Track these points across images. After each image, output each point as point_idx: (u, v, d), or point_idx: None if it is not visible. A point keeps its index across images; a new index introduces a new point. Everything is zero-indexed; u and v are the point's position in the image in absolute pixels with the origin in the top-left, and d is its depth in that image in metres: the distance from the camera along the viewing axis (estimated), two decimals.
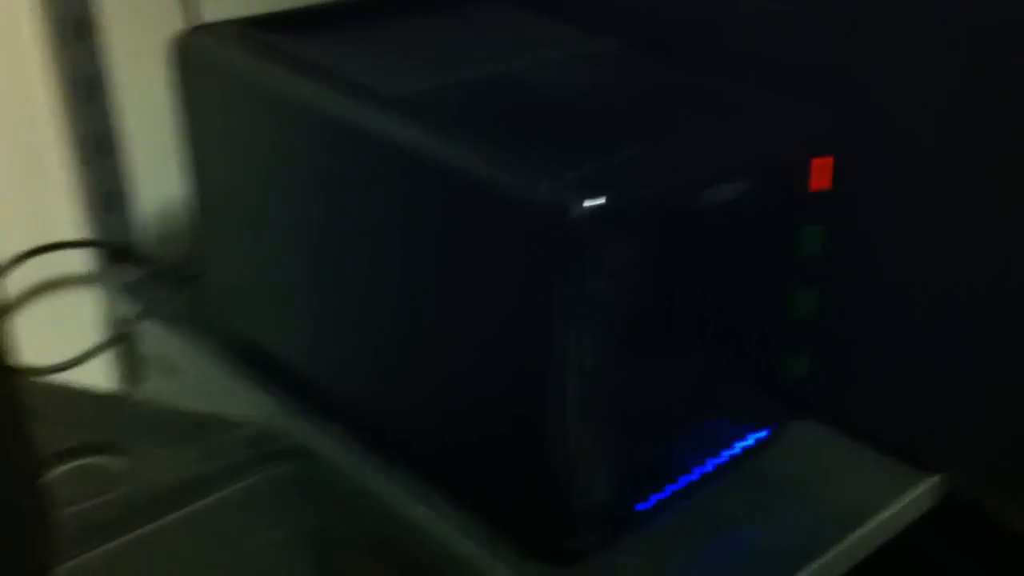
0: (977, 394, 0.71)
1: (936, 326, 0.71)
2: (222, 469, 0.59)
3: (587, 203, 0.56)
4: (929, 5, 0.65)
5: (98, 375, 1.01)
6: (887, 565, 0.78)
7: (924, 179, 0.68)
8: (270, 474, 0.59)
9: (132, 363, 1.00)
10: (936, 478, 0.75)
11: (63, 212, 0.95)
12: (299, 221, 0.74)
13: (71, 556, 0.54)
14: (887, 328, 0.73)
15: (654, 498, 0.68)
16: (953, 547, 0.89)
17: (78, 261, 0.97)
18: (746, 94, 0.69)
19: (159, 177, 0.97)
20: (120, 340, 0.95)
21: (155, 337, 0.91)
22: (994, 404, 0.70)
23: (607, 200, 0.57)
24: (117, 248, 0.96)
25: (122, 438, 0.62)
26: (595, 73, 0.72)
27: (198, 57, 0.77)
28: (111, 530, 0.56)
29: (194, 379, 0.88)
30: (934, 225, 0.69)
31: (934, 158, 0.68)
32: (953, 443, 0.73)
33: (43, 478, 0.58)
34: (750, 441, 0.73)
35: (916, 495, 0.74)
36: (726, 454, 0.71)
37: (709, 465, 0.71)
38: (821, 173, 0.67)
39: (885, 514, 0.72)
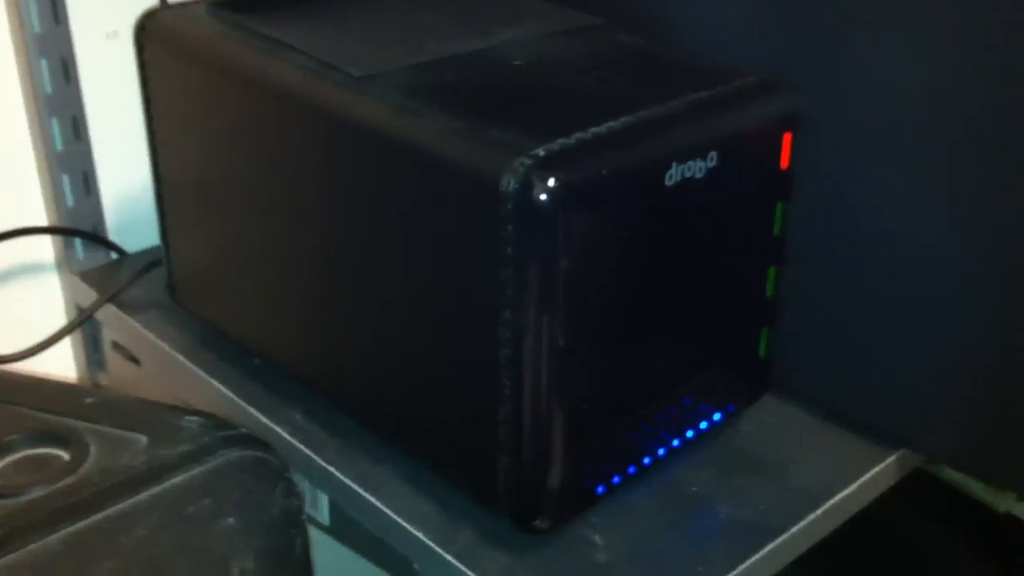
0: (942, 369, 0.68)
1: (898, 299, 0.68)
2: (175, 456, 0.55)
3: (551, 181, 0.52)
4: None
5: (63, 363, 0.98)
6: (859, 538, 0.76)
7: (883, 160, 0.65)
8: (225, 460, 0.55)
9: (96, 351, 0.96)
10: (898, 453, 0.72)
11: (30, 197, 0.91)
12: (262, 202, 0.70)
13: (21, 546, 0.50)
14: (850, 304, 0.70)
15: (619, 476, 0.64)
16: (925, 519, 0.87)
17: (43, 248, 0.93)
18: (720, 69, 0.65)
19: (126, 162, 0.93)
20: (79, 327, 0.91)
21: (116, 324, 0.87)
22: (961, 378, 0.67)
23: (572, 177, 0.53)
24: (83, 234, 0.92)
25: (75, 426, 0.58)
26: (568, 50, 0.68)
27: (161, 36, 0.73)
28: (62, 519, 0.52)
29: (154, 366, 0.84)
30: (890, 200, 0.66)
31: (892, 137, 0.65)
32: (919, 418, 0.70)
33: None
34: (717, 418, 0.69)
35: (880, 470, 0.71)
36: (693, 432, 0.68)
37: (676, 443, 0.67)
38: (788, 149, 0.64)
39: (850, 489, 0.69)
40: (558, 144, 0.55)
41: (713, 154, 0.59)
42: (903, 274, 0.67)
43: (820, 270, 0.70)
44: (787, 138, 0.63)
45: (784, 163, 0.64)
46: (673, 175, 0.57)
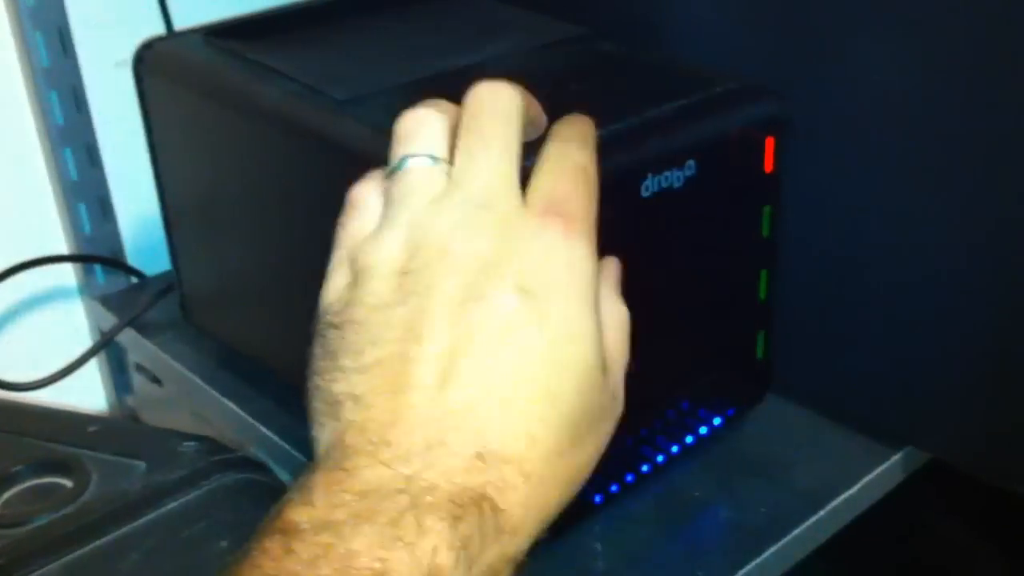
0: (944, 364, 0.68)
1: (897, 295, 0.68)
2: (171, 481, 0.57)
3: None
4: None
5: (92, 386, 1.00)
6: (878, 535, 0.76)
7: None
8: (219, 484, 0.57)
9: (122, 373, 0.98)
10: (903, 451, 0.72)
11: (48, 225, 0.93)
12: (259, 223, 0.72)
13: (25, 574, 0.52)
14: (848, 302, 0.70)
15: (617, 485, 0.65)
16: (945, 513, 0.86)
17: (63, 274, 0.95)
18: (700, 76, 0.65)
19: (141, 187, 0.95)
20: (100, 351, 0.93)
21: (136, 347, 0.89)
22: (965, 374, 0.67)
23: None
24: (102, 260, 0.94)
25: (78, 454, 0.60)
26: (551, 63, 0.69)
27: (158, 66, 0.75)
28: (62, 547, 0.54)
29: (174, 386, 0.86)
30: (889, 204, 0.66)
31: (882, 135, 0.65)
32: (921, 415, 0.70)
33: None
34: (717, 423, 0.70)
35: (885, 468, 0.71)
36: (693, 437, 0.68)
37: (675, 449, 0.68)
38: (772, 153, 0.64)
39: (854, 489, 0.69)
40: (531, 161, 0.56)
41: (691, 163, 0.59)
42: (900, 271, 0.67)
43: (818, 270, 0.70)
44: (770, 142, 0.63)
45: (768, 167, 0.64)
46: (649, 186, 0.58)
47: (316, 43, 0.74)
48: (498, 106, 0.45)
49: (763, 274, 0.67)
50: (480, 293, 0.40)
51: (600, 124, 0.58)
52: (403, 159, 0.44)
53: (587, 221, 0.43)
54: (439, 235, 0.41)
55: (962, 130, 0.61)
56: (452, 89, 0.66)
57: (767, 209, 0.65)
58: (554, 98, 0.64)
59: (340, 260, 0.44)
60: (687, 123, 0.61)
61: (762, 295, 0.68)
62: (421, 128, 0.45)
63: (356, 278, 0.42)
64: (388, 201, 0.44)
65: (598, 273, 0.43)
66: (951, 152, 0.62)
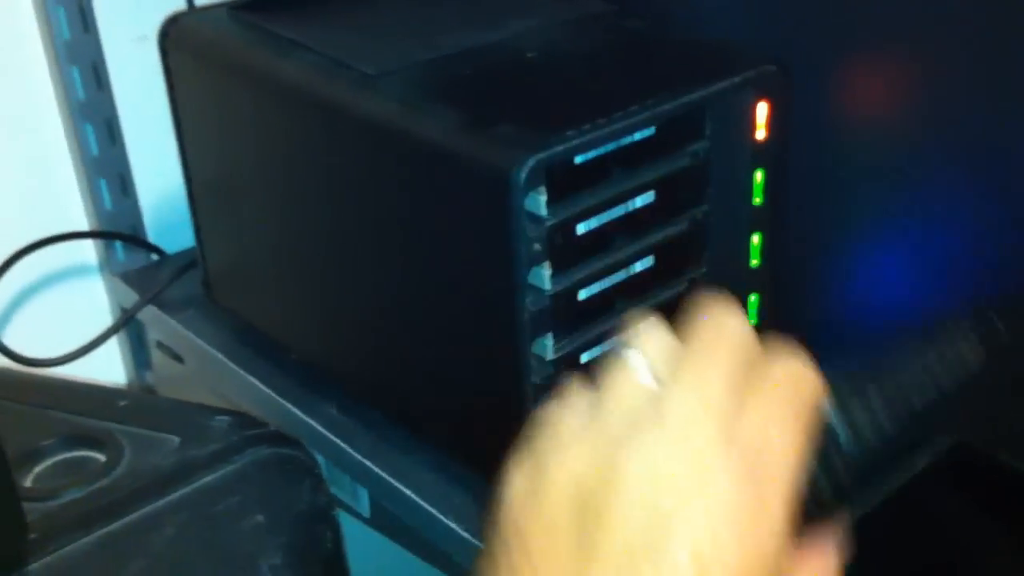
0: None
1: (915, 276, 0.67)
2: (204, 456, 0.56)
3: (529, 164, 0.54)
4: None
5: (111, 363, 1.00)
6: (898, 521, 0.76)
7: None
8: (253, 459, 0.57)
9: (141, 350, 0.98)
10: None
11: (68, 201, 0.93)
12: (285, 200, 0.72)
13: (55, 549, 0.52)
14: (868, 280, 0.70)
15: None
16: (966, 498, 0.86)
17: (84, 251, 0.95)
18: (708, 51, 0.66)
19: (162, 163, 0.94)
20: (120, 328, 0.93)
21: (158, 324, 0.89)
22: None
23: (540, 162, 0.55)
24: (123, 237, 0.94)
25: (110, 428, 0.59)
26: (576, 40, 0.69)
27: (184, 41, 0.75)
28: (94, 521, 0.53)
29: (196, 364, 0.86)
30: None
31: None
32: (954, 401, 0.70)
33: (17, 472, 0.56)
34: None
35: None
36: None
37: None
38: (764, 118, 0.64)
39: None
40: (544, 132, 0.57)
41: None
42: (924, 254, 0.66)
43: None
44: (762, 107, 0.63)
45: (759, 131, 0.64)
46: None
47: (340, 17, 0.74)
48: (724, 336, 0.41)
49: (755, 238, 0.67)
50: (653, 547, 0.37)
51: (620, 105, 0.59)
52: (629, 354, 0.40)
53: (785, 480, 0.39)
54: (626, 472, 0.38)
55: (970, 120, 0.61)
56: (480, 65, 0.66)
57: (761, 173, 0.65)
58: (576, 73, 0.64)
59: (530, 453, 0.41)
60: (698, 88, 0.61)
61: (755, 260, 0.68)
62: (652, 335, 0.41)
63: (536, 486, 0.40)
64: (595, 402, 0.41)
65: (786, 544, 0.38)
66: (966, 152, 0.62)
